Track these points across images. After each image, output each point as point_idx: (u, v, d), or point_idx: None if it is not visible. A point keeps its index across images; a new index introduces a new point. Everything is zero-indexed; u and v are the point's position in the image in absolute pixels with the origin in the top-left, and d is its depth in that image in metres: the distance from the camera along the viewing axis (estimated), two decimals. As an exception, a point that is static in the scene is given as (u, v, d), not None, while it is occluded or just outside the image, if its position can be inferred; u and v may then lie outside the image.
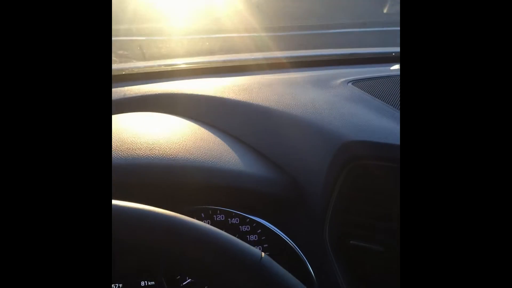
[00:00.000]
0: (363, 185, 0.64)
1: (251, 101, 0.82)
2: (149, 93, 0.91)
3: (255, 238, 0.70)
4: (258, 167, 0.72)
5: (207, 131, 0.79)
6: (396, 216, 0.60)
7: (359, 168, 0.64)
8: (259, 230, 0.70)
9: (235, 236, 0.42)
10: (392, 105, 0.74)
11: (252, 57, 1.26)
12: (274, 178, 0.71)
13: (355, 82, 0.87)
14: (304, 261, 0.68)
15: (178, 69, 1.14)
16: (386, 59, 1.20)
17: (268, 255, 0.42)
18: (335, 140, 0.66)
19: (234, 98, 0.84)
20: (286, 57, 1.21)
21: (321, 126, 0.70)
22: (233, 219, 0.70)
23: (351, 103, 0.77)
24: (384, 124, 0.68)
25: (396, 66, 1.07)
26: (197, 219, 0.49)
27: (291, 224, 0.71)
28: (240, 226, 0.70)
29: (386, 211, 0.62)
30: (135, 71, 1.10)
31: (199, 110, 0.86)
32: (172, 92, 0.91)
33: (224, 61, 1.24)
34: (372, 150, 0.63)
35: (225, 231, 0.42)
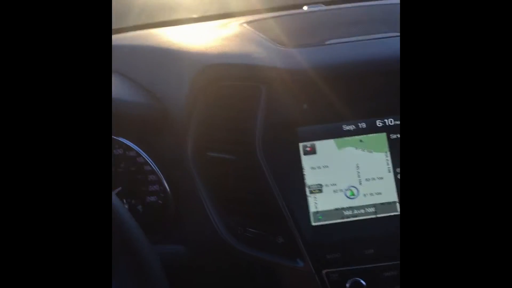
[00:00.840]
0: (222, 105, 0.72)
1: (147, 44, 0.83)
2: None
3: (150, 168, 0.74)
4: (130, 93, 0.76)
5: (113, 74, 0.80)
6: (251, 127, 0.69)
7: (218, 89, 0.71)
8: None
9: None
10: (272, 39, 0.77)
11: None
12: (146, 102, 0.76)
13: (249, 22, 0.89)
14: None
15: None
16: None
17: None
18: (197, 63, 0.72)
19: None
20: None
21: (185, 51, 0.75)
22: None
23: (233, 37, 0.81)
24: (249, 49, 0.74)
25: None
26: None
27: (158, 144, 0.76)
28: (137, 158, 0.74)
29: (242, 125, 0.70)
30: None
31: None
32: None
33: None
34: (228, 71, 0.70)
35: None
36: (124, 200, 0.74)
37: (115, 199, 0.49)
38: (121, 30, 0.96)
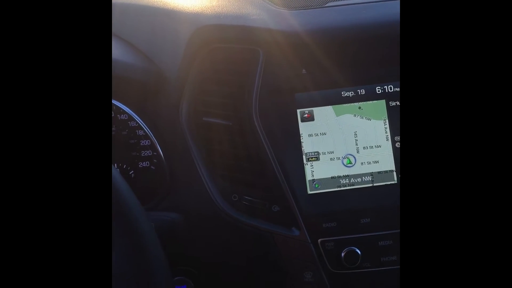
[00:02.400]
0: (218, 68, 0.69)
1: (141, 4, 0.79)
2: None
3: (143, 133, 0.72)
4: (122, 54, 0.73)
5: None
6: (248, 92, 0.67)
7: (213, 52, 0.68)
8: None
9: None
10: (269, 1, 0.73)
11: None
12: (141, 65, 0.72)
13: None
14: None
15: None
16: None
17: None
18: (191, 24, 0.69)
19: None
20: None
21: (180, 11, 0.72)
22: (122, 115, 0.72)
23: (233, 0, 0.77)
24: (245, 10, 0.71)
25: None
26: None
27: (152, 108, 0.73)
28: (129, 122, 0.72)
29: (238, 90, 0.68)
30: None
31: None
32: None
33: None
34: (223, 33, 0.67)
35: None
36: (115, 165, 0.72)
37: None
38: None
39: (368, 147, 0.68)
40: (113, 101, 0.72)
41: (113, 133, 0.72)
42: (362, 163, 0.68)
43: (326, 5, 0.71)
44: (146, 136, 0.71)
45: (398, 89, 0.69)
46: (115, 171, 0.47)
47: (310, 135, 0.68)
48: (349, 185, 0.67)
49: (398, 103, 0.69)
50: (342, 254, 0.66)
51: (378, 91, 0.69)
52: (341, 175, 0.68)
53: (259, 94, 0.67)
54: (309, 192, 0.67)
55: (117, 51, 0.72)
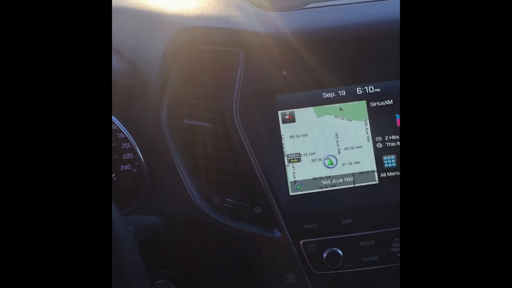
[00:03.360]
0: (198, 70, 0.69)
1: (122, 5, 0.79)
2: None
3: (124, 136, 0.71)
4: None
5: None
6: (229, 94, 0.66)
7: (194, 54, 0.68)
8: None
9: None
10: (250, 2, 0.73)
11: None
12: (121, 67, 0.72)
13: None
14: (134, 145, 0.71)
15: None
16: None
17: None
18: (172, 26, 0.68)
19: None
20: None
21: (160, 13, 0.71)
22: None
23: (210, 0, 0.77)
24: (226, 12, 0.70)
25: None
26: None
27: (134, 111, 0.73)
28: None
29: (219, 92, 0.68)
30: None
31: None
32: None
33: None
34: (203, 34, 0.67)
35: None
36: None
37: None
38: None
39: (349, 148, 0.68)
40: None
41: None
42: (343, 164, 0.68)
43: (307, 6, 0.71)
44: (126, 139, 0.71)
45: (378, 90, 0.69)
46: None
47: (291, 137, 0.68)
48: (330, 186, 0.68)
49: (378, 103, 0.69)
50: (324, 255, 0.66)
51: (359, 92, 0.69)
52: (323, 176, 0.68)
53: (240, 96, 0.67)
54: (291, 194, 0.67)
55: None
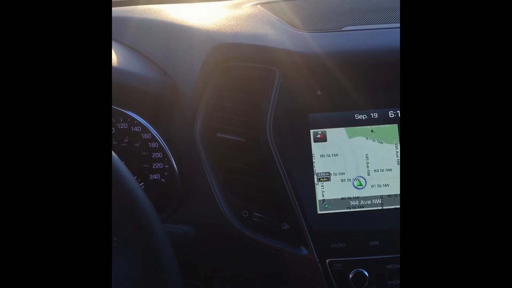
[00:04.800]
0: (234, 86, 0.70)
1: (159, 19, 0.81)
2: None
3: (156, 145, 0.72)
4: (140, 67, 0.74)
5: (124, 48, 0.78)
6: (263, 110, 0.68)
7: (230, 70, 0.70)
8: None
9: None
10: (286, 22, 0.75)
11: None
12: (157, 78, 0.74)
13: (263, 4, 0.87)
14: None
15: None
16: None
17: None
18: (209, 42, 0.70)
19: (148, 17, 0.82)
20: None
21: (197, 29, 0.73)
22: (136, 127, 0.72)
23: (246, 18, 0.79)
24: (262, 30, 0.72)
25: None
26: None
27: (166, 122, 0.74)
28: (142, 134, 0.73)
29: (253, 108, 0.69)
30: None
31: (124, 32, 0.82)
32: None
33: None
34: (240, 51, 0.68)
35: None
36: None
37: (128, 173, 0.48)
38: (132, 2, 0.93)
39: (379, 170, 0.69)
40: (128, 113, 0.72)
41: (125, 144, 0.73)
42: (372, 186, 0.68)
43: (343, 29, 0.72)
44: (158, 149, 0.72)
45: (410, 114, 0.70)
46: (134, 182, 0.48)
47: (322, 156, 0.69)
48: (358, 207, 0.68)
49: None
50: (350, 276, 0.66)
51: (391, 115, 0.70)
52: (351, 196, 0.68)
53: (273, 112, 0.68)
54: (319, 212, 0.67)
55: (133, 64, 0.74)
